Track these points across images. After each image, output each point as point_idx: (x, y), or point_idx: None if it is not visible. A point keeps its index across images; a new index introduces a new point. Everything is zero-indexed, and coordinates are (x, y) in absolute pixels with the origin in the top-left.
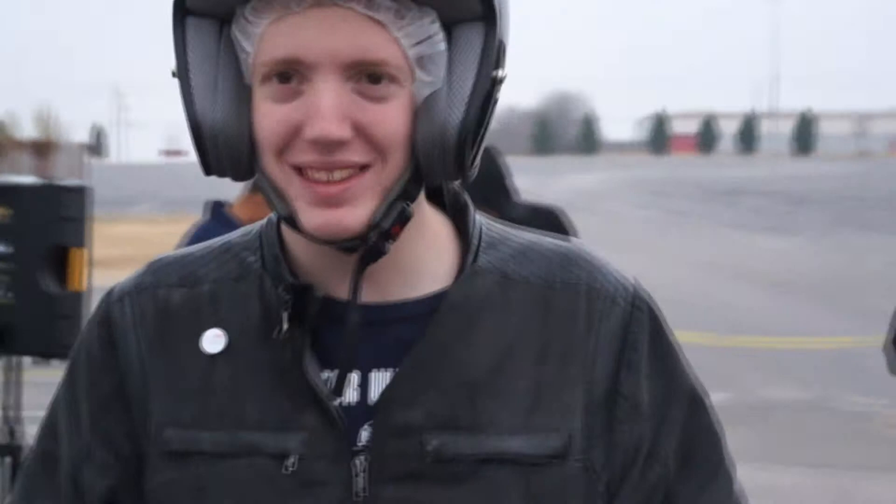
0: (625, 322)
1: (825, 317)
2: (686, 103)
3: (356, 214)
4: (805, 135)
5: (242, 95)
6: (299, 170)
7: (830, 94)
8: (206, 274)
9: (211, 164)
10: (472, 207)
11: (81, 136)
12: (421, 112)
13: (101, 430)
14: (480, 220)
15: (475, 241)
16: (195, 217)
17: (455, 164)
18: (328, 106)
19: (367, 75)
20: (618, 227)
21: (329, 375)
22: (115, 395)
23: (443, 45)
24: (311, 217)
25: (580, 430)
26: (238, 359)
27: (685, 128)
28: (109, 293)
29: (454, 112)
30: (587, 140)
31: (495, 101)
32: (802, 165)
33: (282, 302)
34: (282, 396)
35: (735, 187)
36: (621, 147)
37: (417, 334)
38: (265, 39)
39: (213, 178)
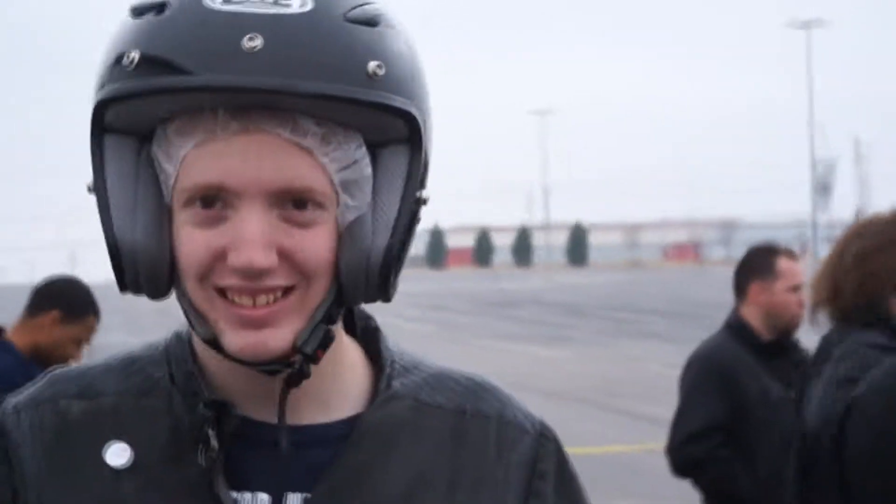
0: (534, 452)
1: (602, 424)
2: (459, 218)
3: (280, 336)
4: (578, 246)
5: (162, 215)
6: (221, 291)
7: (601, 205)
8: (109, 387)
9: (127, 282)
10: (384, 332)
11: None
12: (346, 237)
13: None
14: (394, 345)
15: (389, 367)
16: None
17: (379, 287)
18: (254, 234)
19: (293, 201)
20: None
21: (237, 497)
22: None
23: (368, 170)
24: (235, 339)
25: None
26: (144, 475)
27: (460, 242)
28: (2, 406)
29: (379, 237)
30: None
31: (418, 222)
32: (576, 276)
33: (201, 419)
34: None
35: (511, 299)
36: None
37: (331, 459)
38: (189, 163)
39: None
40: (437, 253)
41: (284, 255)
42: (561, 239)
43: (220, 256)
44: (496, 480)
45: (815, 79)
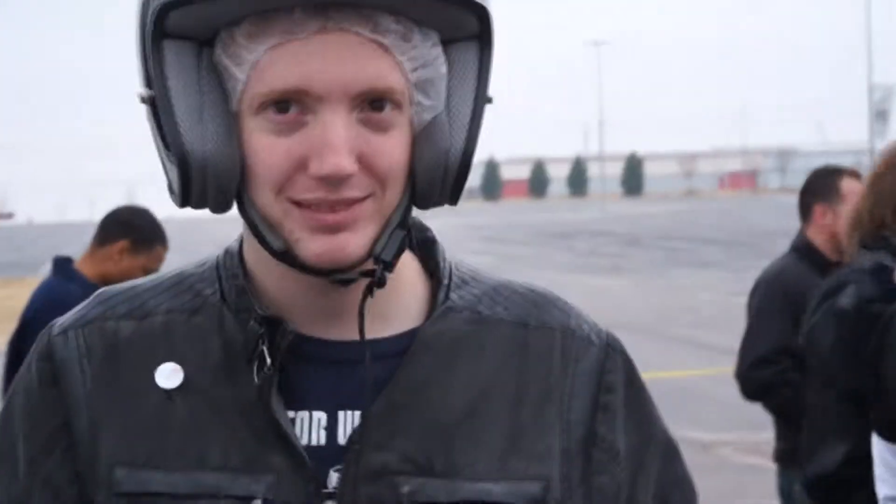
0: (600, 364)
1: (661, 353)
2: (514, 150)
3: (357, 241)
4: (633, 176)
5: (230, 124)
6: (297, 203)
7: (655, 136)
8: (158, 306)
9: (193, 195)
10: (440, 244)
11: None
12: (422, 138)
13: (42, 475)
14: (451, 257)
15: (447, 279)
16: (33, 280)
17: (453, 190)
18: (340, 139)
19: (372, 103)
20: None
21: (294, 416)
22: (57, 436)
23: (444, 69)
24: (313, 245)
25: (558, 476)
26: (197, 395)
27: (515, 174)
28: (51, 327)
29: (457, 137)
30: None
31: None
32: (632, 206)
33: (254, 335)
34: (246, 436)
35: (567, 230)
36: None
37: (388, 374)
38: (263, 67)
39: (49, 241)
40: (493, 185)
41: (364, 161)
42: (616, 170)
43: (300, 165)
44: (562, 393)
45: (873, 4)
